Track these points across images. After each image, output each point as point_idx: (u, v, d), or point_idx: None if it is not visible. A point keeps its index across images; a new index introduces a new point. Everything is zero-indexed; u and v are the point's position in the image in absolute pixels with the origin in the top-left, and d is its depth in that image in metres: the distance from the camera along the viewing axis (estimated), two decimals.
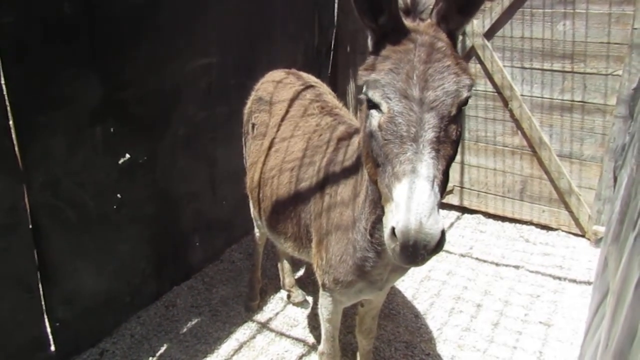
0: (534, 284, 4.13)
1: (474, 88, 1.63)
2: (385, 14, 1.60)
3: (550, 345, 3.48)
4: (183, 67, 3.72)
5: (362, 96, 1.60)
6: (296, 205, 2.57)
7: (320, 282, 2.53)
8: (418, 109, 1.48)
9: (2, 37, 2.62)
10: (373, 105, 1.58)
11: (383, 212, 1.96)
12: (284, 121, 2.89)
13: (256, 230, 3.77)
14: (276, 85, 3.15)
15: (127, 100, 3.31)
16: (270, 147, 2.85)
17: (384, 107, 1.53)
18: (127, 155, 3.39)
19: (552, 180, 4.69)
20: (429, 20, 1.69)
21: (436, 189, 1.45)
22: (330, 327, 2.70)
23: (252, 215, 3.50)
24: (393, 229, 1.42)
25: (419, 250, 1.40)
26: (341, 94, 5.59)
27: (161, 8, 3.43)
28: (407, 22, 1.65)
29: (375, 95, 1.55)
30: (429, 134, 1.47)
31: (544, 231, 4.88)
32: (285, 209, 2.64)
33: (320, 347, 2.83)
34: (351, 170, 2.25)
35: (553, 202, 4.77)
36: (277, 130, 2.88)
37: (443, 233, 1.42)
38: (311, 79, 3.26)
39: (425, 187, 1.41)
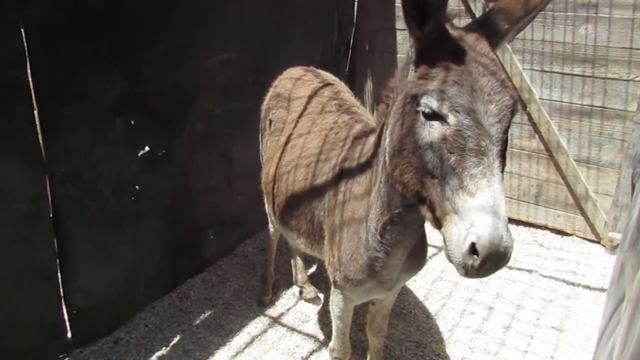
0: (547, 289, 4.11)
1: None
2: (432, 22, 1.60)
3: (562, 350, 3.47)
4: (202, 62, 3.76)
5: (422, 107, 1.58)
6: (310, 202, 2.60)
7: (331, 279, 2.56)
8: (485, 122, 1.49)
9: (29, 29, 2.68)
10: (433, 116, 1.56)
11: (397, 216, 2.02)
12: (302, 118, 2.92)
13: (270, 225, 3.80)
14: (294, 82, 3.18)
15: (147, 94, 3.36)
16: (286, 143, 2.88)
17: (452, 119, 1.51)
18: (147, 148, 3.45)
19: (568, 185, 4.66)
20: (467, 29, 1.72)
21: None
22: (341, 324, 2.72)
23: (266, 211, 3.53)
24: (473, 244, 1.41)
25: (498, 263, 1.43)
26: (358, 93, 5.60)
27: (181, 4, 3.48)
28: (452, 31, 1.67)
29: (442, 107, 1.52)
30: (497, 148, 1.49)
31: (558, 236, 4.84)
32: (300, 205, 2.67)
33: (331, 344, 2.86)
34: (365, 170, 2.28)
35: (569, 207, 4.73)
36: (294, 127, 2.91)
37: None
38: (329, 76, 3.28)
39: (502, 202, 1.43)
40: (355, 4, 5.44)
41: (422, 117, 1.60)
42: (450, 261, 1.53)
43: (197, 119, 3.83)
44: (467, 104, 1.50)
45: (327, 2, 5.06)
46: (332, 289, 2.63)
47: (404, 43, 5.29)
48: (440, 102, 1.53)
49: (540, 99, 4.61)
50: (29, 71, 2.72)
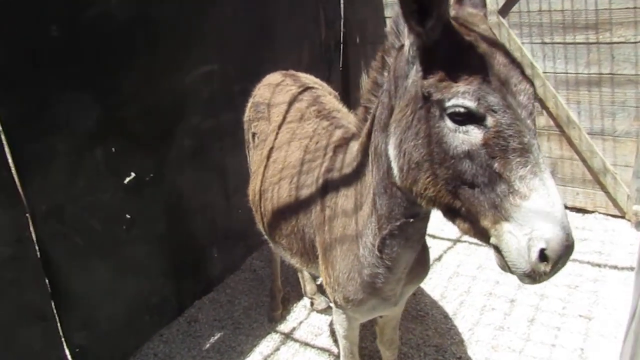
0: (572, 274, 3.87)
1: None
2: (435, 16, 1.44)
3: (592, 340, 3.24)
4: (183, 77, 3.61)
5: (452, 112, 1.42)
6: (298, 220, 2.43)
7: (331, 299, 2.39)
8: (523, 116, 1.38)
9: None
10: (467, 121, 1.41)
11: (397, 228, 1.85)
12: (281, 128, 2.75)
13: None
14: (273, 90, 3.01)
15: (126, 118, 3.23)
16: (268, 157, 2.72)
17: (490, 121, 1.38)
18: (132, 174, 3.32)
19: (584, 160, 4.40)
20: (468, 10, 1.61)
21: None
22: (348, 343, 2.56)
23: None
24: (542, 250, 1.30)
25: (567, 261, 1.36)
26: (354, 88, 5.41)
27: (154, 21, 3.33)
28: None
29: (479, 109, 1.38)
30: (535, 141, 1.38)
31: (579, 215, 4.59)
32: (288, 224, 2.50)
33: None
34: (351, 181, 2.10)
35: (587, 183, 4.47)
36: (275, 138, 2.74)
37: None
38: (309, 79, 3.11)
39: (559, 199, 1.33)
40: None
41: (450, 124, 1.44)
42: (511, 272, 1.41)
43: (184, 137, 3.69)
44: (501, 100, 1.37)
45: None
46: (334, 308, 2.46)
47: None
48: (476, 103, 1.38)
49: (544, 72, 4.35)
50: None
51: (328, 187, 2.23)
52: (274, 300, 3.82)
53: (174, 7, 3.46)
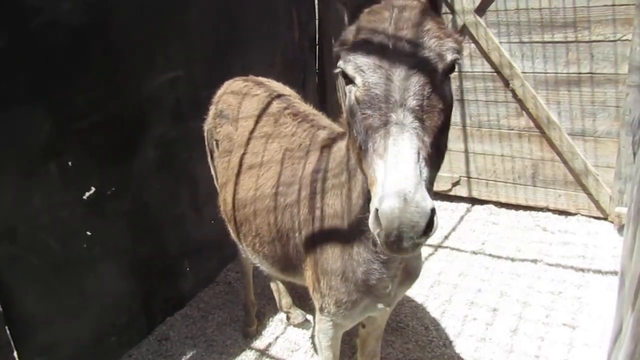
0: (555, 279, 3.77)
1: (460, 55, 1.48)
2: None
3: (577, 350, 3.14)
4: (145, 85, 3.43)
5: (338, 69, 1.51)
6: (282, 226, 2.31)
7: (318, 306, 2.26)
8: (396, 77, 1.36)
9: None
10: (349, 80, 1.48)
11: None
12: (253, 134, 2.60)
13: (242, 250, 3.48)
14: (237, 96, 2.85)
15: (83, 130, 3.04)
16: (240, 164, 2.57)
17: (359, 80, 1.43)
18: (93, 189, 3.14)
19: (565, 162, 4.30)
20: None
21: (422, 162, 1.28)
22: (331, 354, 2.43)
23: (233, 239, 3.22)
24: (376, 211, 1.23)
25: (406, 233, 1.21)
26: (331, 90, 5.26)
27: (111, 27, 3.15)
28: None
29: (348, 69, 1.45)
30: (410, 102, 1.34)
31: (562, 217, 4.50)
32: (270, 231, 2.37)
33: None
34: (341, 179, 1.99)
35: (569, 184, 4.37)
36: (247, 144, 2.59)
37: (433, 211, 1.23)
38: (273, 84, 2.96)
39: (407, 159, 1.24)
40: None
41: (344, 84, 1.52)
42: None
43: (148, 147, 3.51)
44: (374, 60, 1.39)
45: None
46: (319, 316, 2.33)
47: None
48: (347, 63, 1.46)
49: (523, 72, 4.24)
50: None
51: (316, 188, 2.12)
52: (248, 315, 3.66)
53: (133, 12, 3.28)
